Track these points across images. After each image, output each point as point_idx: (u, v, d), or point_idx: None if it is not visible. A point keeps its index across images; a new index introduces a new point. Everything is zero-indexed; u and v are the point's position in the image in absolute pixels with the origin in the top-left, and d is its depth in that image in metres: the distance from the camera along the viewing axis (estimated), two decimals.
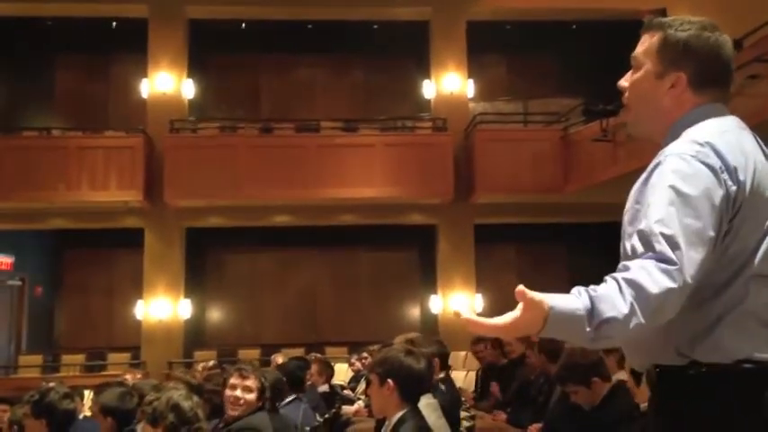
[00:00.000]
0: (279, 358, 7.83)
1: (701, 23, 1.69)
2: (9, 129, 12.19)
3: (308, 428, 4.87)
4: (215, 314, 14.02)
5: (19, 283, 13.76)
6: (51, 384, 4.37)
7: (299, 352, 9.66)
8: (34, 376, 10.74)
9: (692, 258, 1.44)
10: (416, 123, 13.03)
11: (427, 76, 13.16)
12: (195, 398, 3.16)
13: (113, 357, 12.15)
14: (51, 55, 13.83)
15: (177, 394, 3.12)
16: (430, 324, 12.61)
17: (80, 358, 12.12)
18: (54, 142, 12.01)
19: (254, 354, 11.43)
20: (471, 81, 12.96)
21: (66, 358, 12.10)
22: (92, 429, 4.57)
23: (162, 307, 11.93)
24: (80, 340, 13.22)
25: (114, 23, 13.22)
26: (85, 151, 11.80)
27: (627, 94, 1.76)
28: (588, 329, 1.42)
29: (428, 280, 13.19)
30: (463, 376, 8.20)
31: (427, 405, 3.31)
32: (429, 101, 13.20)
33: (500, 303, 11.87)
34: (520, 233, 13.48)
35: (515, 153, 11.66)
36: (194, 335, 13.03)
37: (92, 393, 6.00)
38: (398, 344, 3.55)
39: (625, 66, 1.78)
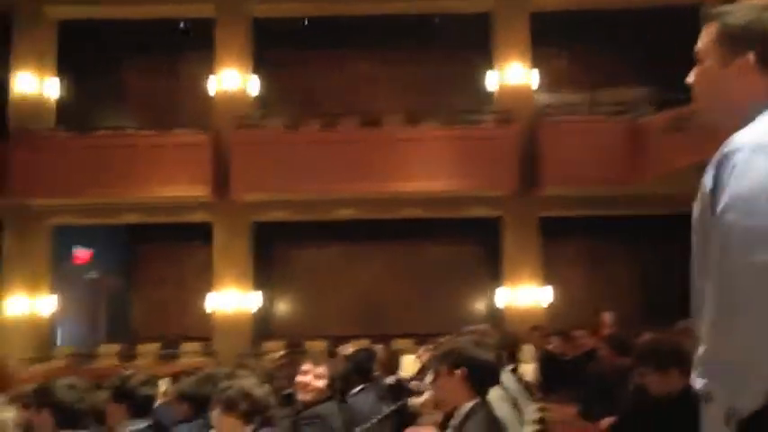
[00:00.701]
0: (346, 349, 7.91)
1: (761, 5, 1.64)
2: (83, 128, 12.63)
3: (375, 419, 4.91)
4: (282, 306, 14.26)
5: (96, 275, 14.31)
6: (131, 371, 4.53)
7: (365, 344, 9.73)
8: (113, 364, 11.15)
9: None
10: (480, 116, 12.95)
11: (490, 68, 13.05)
12: (267, 386, 3.25)
13: (186, 347, 12.50)
14: (122, 56, 14.28)
15: (250, 382, 3.21)
16: (496, 317, 12.54)
17: (155, 347, 12.52)
18: (126, 140, 12.40)
19: (321, 345, 11.58)
20: (535, 72, 12.80)
21: (141, 347, 12.53)
22: (169, 415, 4.74)
23: (231, 299, 12.21)
24: (154, 330, 13.65)
25: (182, 23, 13.56)
26: (156, 149, 12.16)
27: (695, 89, 1.73)
28: None
29: (493, 273, 13.11)
30: (531, 369, 8.12)
31: (497, 397, 3.31)
32: (492, 93, 13.10)
33: (569, 297, 11.81)
34: (587, 226, 13.25)
35: (582, 144, 11.47)
36: (263, 326, 13.29)
37: (168, 381, 6.21)
38: (466, 335, 3.55)
39: (694, 51, 1.75)
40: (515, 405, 3.68)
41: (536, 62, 12.83)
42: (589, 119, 12.63)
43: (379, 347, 7.43)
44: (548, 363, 6.54)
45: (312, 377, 3.99)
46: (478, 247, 14.07)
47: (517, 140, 11.98)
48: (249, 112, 12.89)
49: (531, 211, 12.34)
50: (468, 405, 2.93)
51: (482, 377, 2.97)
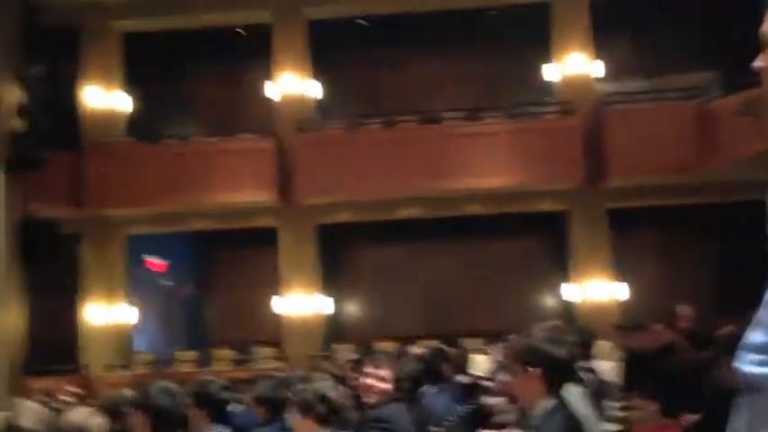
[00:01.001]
0: (416, 349, 7.92)
1: None
2: (152, 138, 12.99)
3: (449, 419, 4.91)
4: (350, 308, 14.37)
5: (171, 283, 14.70)
6: (210, 378, 4.64)
7: (434, 343, 9.72)
8: (189, 370, 11.43)
9: None
10: (541, 108, 12.77)
11: (550, 59, 12.85)
12: (341, 388, 3.28)
13: (259, 351, 12.70)
14: (185, 66, 14.60)
15: (325, 385, 3.24)
16: (567, 313, 12.35)
17: (229, 353, 12.78)
18: (192, 148, 12.71)
19: (391, 346, 11.60)
20: (598, 61, 12.54)
21: (216, 353, 12.80)
22: (248, 418, 4.85)
23: (299, 302, 12.36)
24: (228, 336, 13.93)
25: (241, 31, 13.79)
26: (221, 155, 12.43)
27: (763, 75, 1.65)
28: None
29: (561, 268, 12.91)
30: (607, 366, 7.96)
31: (575, 394, 3.25)
32: (553, 85, 12.90)
33: (644, 291, 11.50)
34: (658, 216, 12.90)
35: (649, 132, 11.20)
36: (332, 329, 13.41)
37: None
38: (539, 332, 3.47)
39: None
40: (594, 403, 3.62)
41: (597, 51, 12.57)
42: (655, 106, 12.30)
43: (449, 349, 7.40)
44: (629, 359, 6.39)
45: (374, 379, 3.99)
46: (544, 242, 13.88)
47: (581, 131, 11.77)
48: (310, 115, 13.03)
49: (599, 203, 12.10)
50: (546, 404, 2.89)
51: (557, 374, 2.91)
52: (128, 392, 4.25)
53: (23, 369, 11.71)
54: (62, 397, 8.20)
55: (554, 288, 13.43)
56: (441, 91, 13.95)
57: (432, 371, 5.57)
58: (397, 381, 4.25)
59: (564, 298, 12.58)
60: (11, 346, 11.54)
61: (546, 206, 12.54)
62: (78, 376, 11.50)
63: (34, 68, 11.43)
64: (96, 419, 3.47)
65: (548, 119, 12.30)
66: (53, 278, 12.79)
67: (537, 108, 12.87)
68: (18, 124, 11.72)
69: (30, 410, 3.69)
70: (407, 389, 4.58)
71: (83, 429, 3.22)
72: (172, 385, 3.49)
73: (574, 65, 12.49)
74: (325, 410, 3.13)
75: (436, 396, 5.32)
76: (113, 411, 3.80)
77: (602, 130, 11.71)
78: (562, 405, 2.89)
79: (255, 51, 13.62)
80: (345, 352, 9.94)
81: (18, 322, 11.94)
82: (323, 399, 3.14)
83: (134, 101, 13.78)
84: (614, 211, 12.13)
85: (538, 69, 13.34)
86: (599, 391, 4.13)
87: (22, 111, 11.66)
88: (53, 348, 12.65)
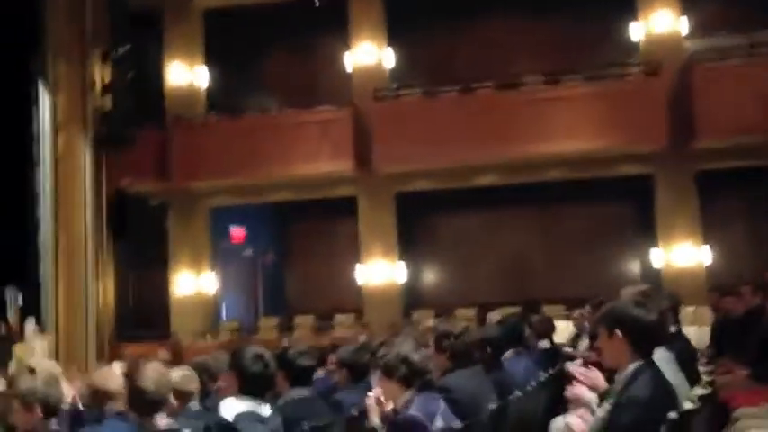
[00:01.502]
0: (495, 316, 7.87)
1: None
2: (232, 112, 13.26)
3: (532, 384, 4.85)
4: (429, 275, 14.39)
5: (252, 253, 15.09)
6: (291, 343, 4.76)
7: (514, 310, 9.64)
8: (272, 338, 11.73)
9: None
10: (625, 69, 12.33)
11: (633, 18, 12.36)
12: (423, 350, 3.29)
13: (339, 319, 12.92)
14: (262, 40, 14.74)
15: (407, 347, 3.25)
16: (652, 278, 11.99)
17: (310, 320, 13.05)
18: (271, 121, 12.92)
19: (470, 313, 11.59)
20: (685, 17, 11.99)
21: (297, 320, 13.09)
22: (328, 383, 4.94)
23: (379, 270, 12.47)
24: (308, 303, 14.20)
25: (317, 2, 13.79)
26: (299, 127, 12.59)
27: None
28: None
29: (646, 233, 12.55)
30: (693, 331, 7.72)
31: (663, 358, 3.17)
32: (637, 44, 12.42)
33: (730, 254, 11.05)
34: (747, 178, 12.33)
35: (740, 90, 10.68)
36: (411, 296, 13.48)
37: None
38: (627, 295, 3.39)
39: None
40: (682, 367, 3.51)
41: (684, 6, 12.02)
42: (747, 62, 11.68)
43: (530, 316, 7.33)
44: (719, 324, 6.18)
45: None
46: (629, 207, 13.50)
47: (667, 92, 11.33)
48: (387, 84, 12.99)
49: (686, 165, 11.67)
50: (632, 366, 2.83)
51: (643, 338, 2.84)
52: (220, 356, 4.39)
53: (116, 336, 12.29)
54: (155, 362, 8.55)
55: (639, 254, 13.08)
56: (518, 55, 13.63)
57: (514, 336, 5.52)
58: (479, 346, 4.23)
59: (649, 263, 12.23)
60: (105, 315, 12.10)
61: (630, 170, 12.16)
62: (168, 343, 11.97)
63: (120, 49, 11.78)
64: (192, 379, 3.60)
65: (631, 80, 11.88)
66: (143, 250, 13.31)
67: (619, 69, 12.42)
68: (107, 103, 12.17)
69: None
70: (489, 354, 4.54)
71: (179, 388, 3.34)
72: (262, 350, 3.62)
73: (660, 22, 11.98)
74: (407, 372, 3.16)
75: (518, 362, 5.27)
76: (207, 373, 3.94)
77: (690, 89, 11.24)
78: (650, 367, 2.82)
79: (331, 23, 13.62)
80: (425, 319, 9.96)
81: (111, 292, 12.51)
82: (405, 361, 3.17)
83: (214, 76, 14.07)
84: (702, 173, 11.67)
85: (619, 29, 12.86)
86: (687, 356, 4.00)
87: (110, 90, 12.08)
88: (144, 316, 13.22)
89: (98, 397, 3.76)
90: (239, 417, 3.32)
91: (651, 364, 2.84)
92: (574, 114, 11.43)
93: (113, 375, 3.88)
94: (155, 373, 3.01)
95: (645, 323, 2.83)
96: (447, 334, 4.09)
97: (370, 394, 3.15)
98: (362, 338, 6.49)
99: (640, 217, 13.05)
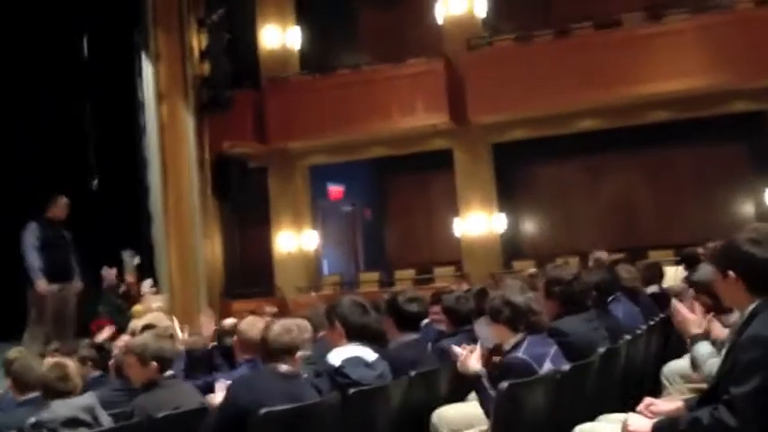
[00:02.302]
0: (599, 255, 7.74)
1: None
2: (326, 71, 13.35)
3: (639, 329, 4.74)
4: (529, 225, 14.20)
5: (350, 208, 15.32)
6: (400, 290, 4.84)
7: (618, 257, 9.39)
8: (374, 290, 11.93)
9: None
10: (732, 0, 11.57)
11: None
12: (529, 293, 3.27)
13: (438, 271, 12.98)
14: None
15: (511, 290, 3.25)
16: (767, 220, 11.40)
17: (410, 273, 13.18)
18: (364, 76, 12.91)
19: (573, 261, 11.35)
20: None
21: (397, 273, 13.25)
22: (431, 332, 5.00)
23: (477, 222, 12.39)
24: (407, 257, 14.32)
25: None
26: (392, 81, 12.55)
27: None
28: None
29: (760, 173, 11.88)
30: None
31: None
32: None
33: None
34: None
35: None
36: (511, 246, 13.36)
37: None
38: (742, 234, 3.19)
39: None
40: None
41: None
42: None
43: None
44: None
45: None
46: (739, 146, 12.80)
47: None
48: (478, 32, 12.71)
49: None
50: (751, 306, 2.69)
51: (758, 276, 2.66)
52: (322, 309, 4.52)
53: (224, 294, 12.82)
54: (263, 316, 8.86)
55: (752, 195, 12.42)
56: None
57: (620, 281, 5.39)
58: (584, 291, 4.16)
59: (764, 204, 11.59)
60: (214, 274, 12.63)
61: (741, 107, 11.48)
62: (273, 298, 12.38)
63: (215, 15, 12.04)
64: (305, 329, 3.73)
65: (741, 9, 11.11)
66: (246, 210, 13.75)
67: (726, 0, 11.66)
68: (205, 69, 12.51)
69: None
70: (596, 298, 4.46)
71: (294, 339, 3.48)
72: (360, 298, 3.88)
73: None
74: (511, 314, 3.17)
75: (625, 306, 5.16)
76: (313, 324, 4.09)
77: None
78: None
79: None
80: (524, 269, 9.86)
81: (218, 252, 13.02)
82: (508, 303, 3.19)
83: (306, 36, 14.18)
84: None
85: None
86: None
87: (207, 56, 12.41)
88: (249, 274, 13.71)
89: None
90: (346, 362, 3.42)
91: None
92: (679, 51, 10.86)
93: (254, 326, 4.17)
94: (278, 326, 3.24)
95: (759, 261, 2.68)
96: (557, 280, 4.05)
97: (457, 350, 3.18)
98: (462, 288, 6.50)
99: (753, 156, 12.36)
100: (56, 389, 3.40)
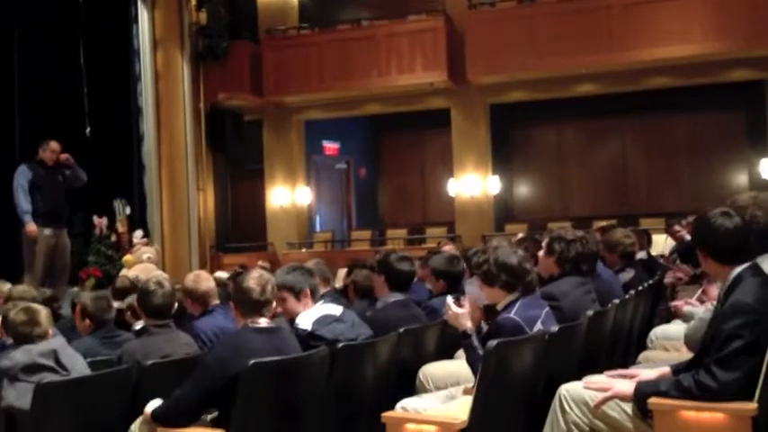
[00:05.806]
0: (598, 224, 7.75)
1: None
2: (324, 24, 13.15)
3: (631, 293, 4.78)
4: (522, 189, 14.18)
5: (345, 166, 15.25)
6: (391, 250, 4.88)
7: (612, 223, 9.41)
8: (365, 249, 11.95)
9: None
10: None
11: None
12: (520, 252, 3.24)
13: (431, 231, 12.99)
14: None
15: (503, 252, 3.22)
16: (761, 190, 11.39)
17: (402, 232, 13.18)
18: (364, 32, 12.71)
19: (565, 226, 11.37)
20: None
21: (390, 232, 13.24)
22: (422, 291, 5.01)
23: (472, 183, 12.36)
24: (400, 216, 14.33)
25: None
26: (392, 38, 12.35)
27: None
28: None
29: (757, 143, 11.85)
30: None
31: None
32: None
33: None
34: None
35: None
36: (504, 209, 13.35)
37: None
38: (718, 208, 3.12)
39: None
40: None
41: None
42: None
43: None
44: None
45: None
46: (738, 115, 12.75)
47: None
48: None
49: None
50: (733, 273, 2.70)
51: (723, 249, 2.72)
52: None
53: (215, 247, 12.82)
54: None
55: (747, 165, 12.42)
56: None
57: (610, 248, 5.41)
58: (585, 254, 4.18)
59: (759, 175, 11.59)
60: (206, 226, 12.61)
61: (741, 75, 11.38)
62: (265, 253, 12.39)
63: None
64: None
65: None
66: (240, 163, 13.67)
67: None
68: (202, 18, 12.32)
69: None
70: (588, 264, 4.47)
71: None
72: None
73: None
74: (509, 278, 3.15)
75: (615, 271, 5.19)
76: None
77: None
78: (753, 271, 2.70)
79: None
80: (516, 232, 9.87)
81: (211, 204, 12.98)
82: (504, 267, 3.16)
83: None
84: None
85: None
86: None
87: (204, 5, 12.20)
88: (242, 228, 13.70)
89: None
90: (316, 323, 3.47)
91: (754, 269, 2.71)
92: (679, 17, 10.70)
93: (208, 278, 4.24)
94: (254, 279, 3.12)
95: (721, 234, 2.70)
96: (560, 238, 4.07)
97: (449, 301, 3.16)
98: (448, 249, 6.51)
99: (750, 126, 12.32)
100: (23, 334, 3.38)
